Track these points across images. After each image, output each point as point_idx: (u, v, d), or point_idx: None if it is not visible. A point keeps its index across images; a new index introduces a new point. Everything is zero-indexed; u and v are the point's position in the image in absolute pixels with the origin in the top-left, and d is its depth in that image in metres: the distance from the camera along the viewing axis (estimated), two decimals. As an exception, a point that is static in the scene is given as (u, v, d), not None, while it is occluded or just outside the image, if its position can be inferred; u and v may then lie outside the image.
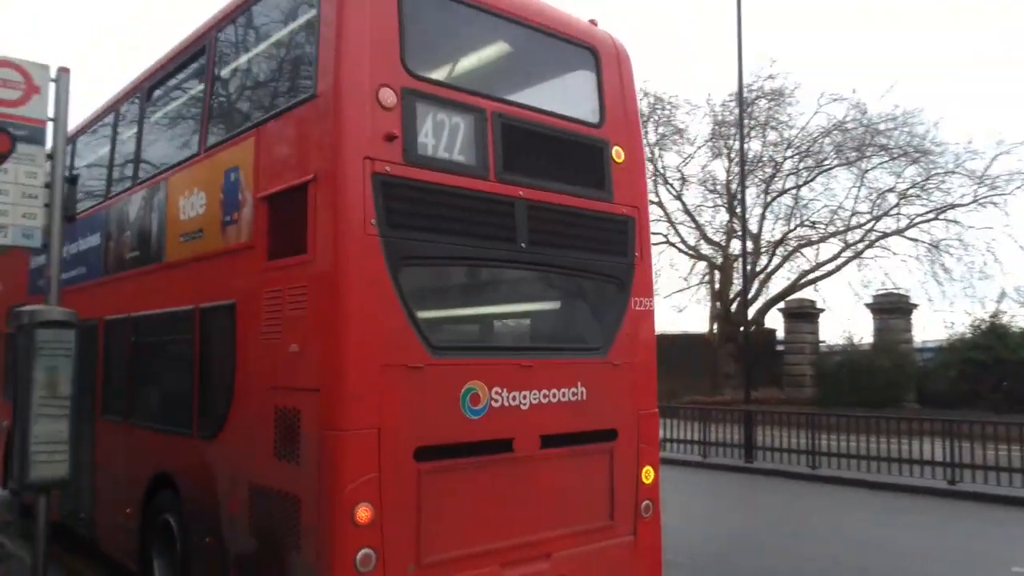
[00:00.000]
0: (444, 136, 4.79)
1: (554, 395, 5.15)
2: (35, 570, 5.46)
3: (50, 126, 5.64)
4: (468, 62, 5.77)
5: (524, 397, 5.00)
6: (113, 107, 7.58)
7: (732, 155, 27.26)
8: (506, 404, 4.91)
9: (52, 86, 5.64)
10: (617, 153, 5.77)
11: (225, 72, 5.98)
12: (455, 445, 4.67)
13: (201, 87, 6.16)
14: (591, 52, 5.86)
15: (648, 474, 5.69)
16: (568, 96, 6.10)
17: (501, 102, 5.21)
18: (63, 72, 5.68)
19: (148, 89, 6.94)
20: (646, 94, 27.42)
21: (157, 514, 6.02)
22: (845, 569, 8.04)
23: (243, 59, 5.84)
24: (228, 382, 5.27)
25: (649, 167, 29.12)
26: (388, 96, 4.51)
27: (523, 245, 5.14)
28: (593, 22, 6.11)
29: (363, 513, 4.21)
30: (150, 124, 7.05)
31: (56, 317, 5.43)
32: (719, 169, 30.35)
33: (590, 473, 5.38)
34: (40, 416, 5.31)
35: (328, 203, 4.41)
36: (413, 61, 4.70)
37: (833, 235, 26.99)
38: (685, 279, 29.57)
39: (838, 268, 26.87)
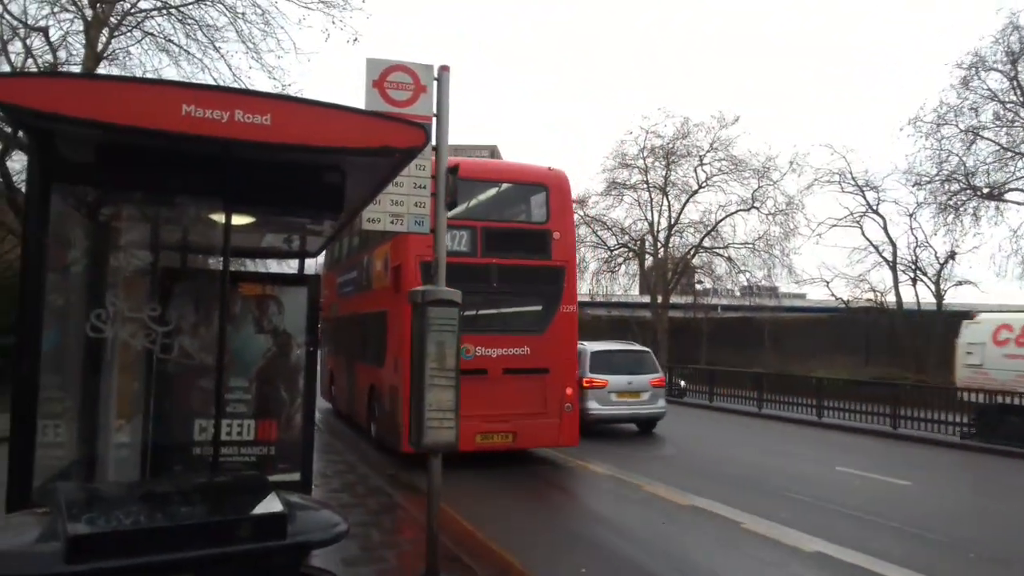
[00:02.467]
0: (455, 240, 10.47)
1: (511, 351, 10.99)
2: (430, 512, 5.97)
3: (433, 121, 5.97)
4: (471, 204, 11.49)
5: (493, 351, 10.87)
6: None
7: None
8: (483, 355, 10.71)
9: (435, 84, 5.99)
10: (556, 235, 11.46)
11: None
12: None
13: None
14: (544, 186, 11.69)
15: (569, 390, 11.39)
16: (529, 207, 12.08)
17: (487, 221, 11.42)
18: (444, 70, 6.07)
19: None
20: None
21: (371, 402, 13.07)
22: None
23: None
24: (385, 343, 12.02)
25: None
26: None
27: (494, 284, 11.03)
28: (551, 168, 11.90)
29: None
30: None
31: (444, 296, 6.06)
32: None
33: (532, 388, 11.06)
34: (432, 386, 6.01)
35: (404, 273, 10.80)
36: (441, 211, 11.84)
37: None
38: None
39: None
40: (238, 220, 5.29)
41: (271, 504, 2.83)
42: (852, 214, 31.11)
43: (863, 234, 31.20)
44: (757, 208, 34.70)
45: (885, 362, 28.91)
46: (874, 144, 59.83)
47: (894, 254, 30.23)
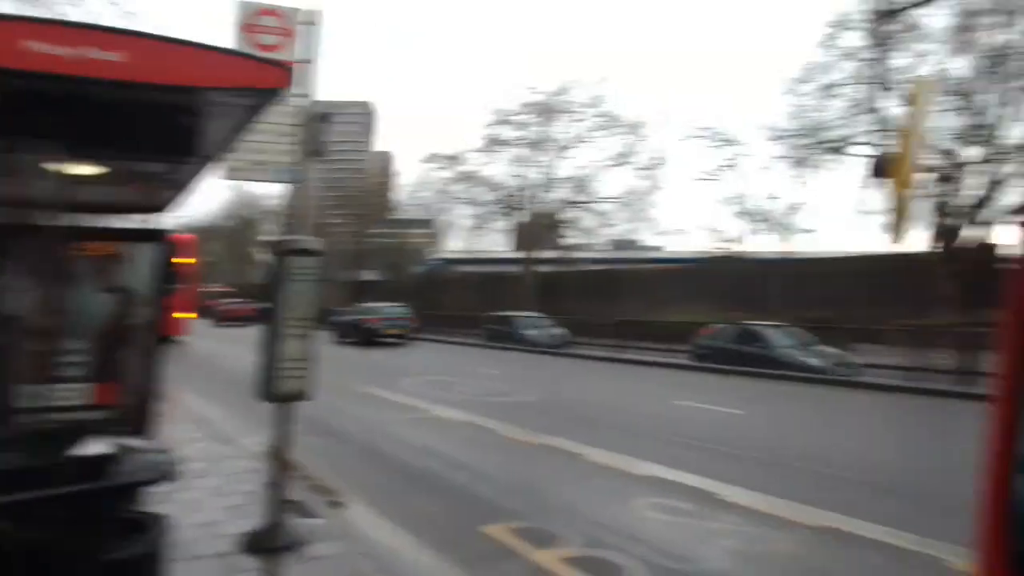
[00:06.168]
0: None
1: None
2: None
3: (303, 67, 5.81)
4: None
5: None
6: None
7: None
8: None
9: (305, 28, 5.85)
10: None
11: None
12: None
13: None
14: None
15: None
16: None
17: None
18: (315, 14, 5.90)
19: None
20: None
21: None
22: None
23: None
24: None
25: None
26: None
27: None
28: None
29: None
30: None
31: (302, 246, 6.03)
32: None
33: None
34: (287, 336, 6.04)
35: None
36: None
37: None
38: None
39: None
40: (83, 170, 5.11)
41: (92, 447, 2.92)
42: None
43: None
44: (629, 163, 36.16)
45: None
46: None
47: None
